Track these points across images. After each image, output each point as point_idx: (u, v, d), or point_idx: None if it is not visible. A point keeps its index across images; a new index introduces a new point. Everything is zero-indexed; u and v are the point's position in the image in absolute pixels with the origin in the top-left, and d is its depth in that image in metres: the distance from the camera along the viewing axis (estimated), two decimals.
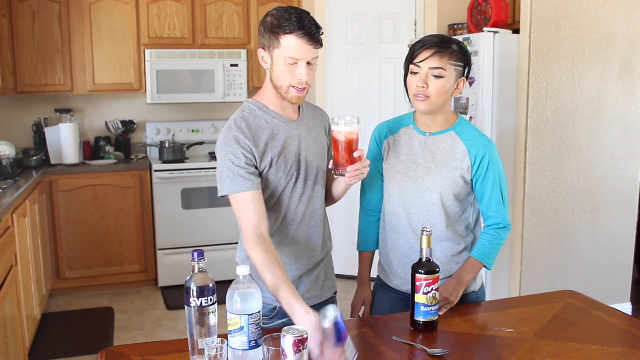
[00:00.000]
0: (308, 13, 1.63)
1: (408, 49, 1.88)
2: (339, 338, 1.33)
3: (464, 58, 1.81)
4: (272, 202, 1.73)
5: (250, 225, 1.61)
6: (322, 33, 1.63)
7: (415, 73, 1.79)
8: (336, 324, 1.34)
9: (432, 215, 1.85)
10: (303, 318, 1.41)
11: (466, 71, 1.83)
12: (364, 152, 1.64)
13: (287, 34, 1.58)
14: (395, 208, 1.91)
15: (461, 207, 1.88)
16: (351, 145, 1.60)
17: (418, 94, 1.78)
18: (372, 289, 2.06)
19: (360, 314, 2.05)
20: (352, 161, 1.61)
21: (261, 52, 1.68)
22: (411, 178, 1.87)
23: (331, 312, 1.35)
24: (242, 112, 1.73)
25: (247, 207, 1.63)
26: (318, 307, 1.82)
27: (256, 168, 1.67)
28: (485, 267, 1.87)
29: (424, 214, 1.86)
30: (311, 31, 1.59)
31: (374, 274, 2.08)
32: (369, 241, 2.05)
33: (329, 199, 1.89)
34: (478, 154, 1.82)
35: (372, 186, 2.00)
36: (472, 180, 1.85)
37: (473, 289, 1.92)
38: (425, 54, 1.77)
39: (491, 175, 1.84)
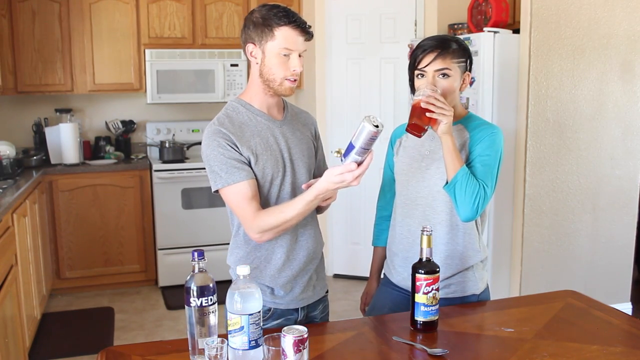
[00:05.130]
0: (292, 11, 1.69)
1: (408, 48, 1.89)
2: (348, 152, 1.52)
3: (464, 53, 1.83)
4: (261, 201, 1.70)
5: (252, 213, 1.62)
6: (310, 27, 1.68)
7: (422, 76, 1.82)
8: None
9: (437, 204, 1.86)
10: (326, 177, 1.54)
11: (468, 64, 1.86)
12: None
13: (282, 25, 1.62)
14: (401, 199, 1.94)
15: None
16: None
17: None
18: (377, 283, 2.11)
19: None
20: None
21: (250, 47, 1.68)
22: (417, 168, 1.90)
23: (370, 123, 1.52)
24: (226, 110, 1.74)
25: (245, 195, 1.63)
26: (311, 307, 1.82)
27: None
28: (456, 174, 1.73)
29: (429, 204, 1.87)
30: (303, 23, 1.65)
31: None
32: (382, 237, 2.11)
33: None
34: (478, 137, 1.81)
35: (387, 185, 2.07)
36: None
37: (473, 292, 1.90)
38: (428, 59, 1.80)
39: (477, 150, 1.79)
